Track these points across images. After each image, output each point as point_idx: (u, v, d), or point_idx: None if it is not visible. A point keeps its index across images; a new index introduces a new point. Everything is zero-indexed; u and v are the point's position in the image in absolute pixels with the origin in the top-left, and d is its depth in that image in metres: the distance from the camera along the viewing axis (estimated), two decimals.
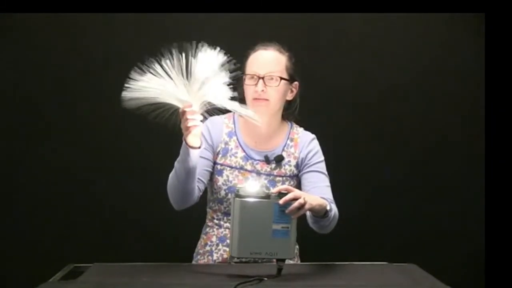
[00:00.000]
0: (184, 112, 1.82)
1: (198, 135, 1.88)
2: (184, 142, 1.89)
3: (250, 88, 2.09)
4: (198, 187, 2.05)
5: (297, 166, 2.17)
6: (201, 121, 1.86)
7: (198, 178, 2.04)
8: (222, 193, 2.13)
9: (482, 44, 2.23)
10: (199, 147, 1.91)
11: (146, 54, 2.82)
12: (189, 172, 1.94)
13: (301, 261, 2.24)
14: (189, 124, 1.83)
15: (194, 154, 1.90)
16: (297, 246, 2.19)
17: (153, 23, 2.84)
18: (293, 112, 2.21)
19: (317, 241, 2.22)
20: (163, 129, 2.59)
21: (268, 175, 2.14)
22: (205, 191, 2.23)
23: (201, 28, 2.83)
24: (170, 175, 2.00)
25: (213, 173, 2.15)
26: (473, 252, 2.76)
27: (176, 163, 1.96)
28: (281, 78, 2.09)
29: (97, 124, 2.85)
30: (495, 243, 1.95)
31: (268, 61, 2.09)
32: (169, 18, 2.82)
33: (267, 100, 2.07)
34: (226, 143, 2.15)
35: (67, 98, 2.87)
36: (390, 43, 2.92)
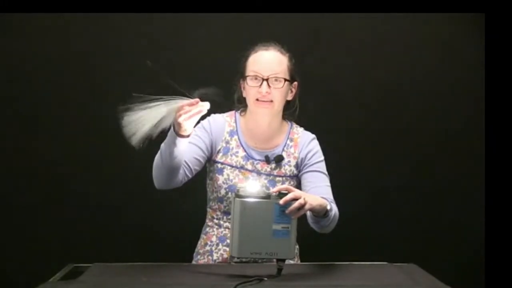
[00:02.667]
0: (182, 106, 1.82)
1: (191, 125, 1.88)
2: (172, 129, 1.88)
3: (253, 89, 2.08)
4: (185, 172, 2.05)
5: (297, 166, 2.17)
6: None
7: (186, 164, 2.04)
8: (223, 191, 2.13)
9: (482, 44, 2.23)
10: (188, 136, 1.90)
11: (146, 53, 2.85)
12: (174, 156, 1.94)
13: (301, 261, 2.24)
14: (187, 114, 1.82)
15: (182, 142, 1.91)
16: (297, 246, 2.20)
17: (152, 23, 2.84)
18: (293, 113, 2.21)
19: (317, 241, 2.22)
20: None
21: (268, 175, 2.14)
22: (205, 191, 2.23)
23: (198, 28, 2.83)
24: (157, 155, 1.99)
25: (213, 171, 2.15)
26: (473, 252, 2.76)
27: (162, 145, 1.95)
28: (285, 79, 2.09)
29: (97, 123, 2.85)
30: (495, 243, 1.95)
31: (271, 62, 2.09)
32: (168, 17, 2.81)
33: (271, 101, 2.08)
34: (227, 142, 2.16)
35: (68, 98, 2.87)
36: (389, 43, 2.92)
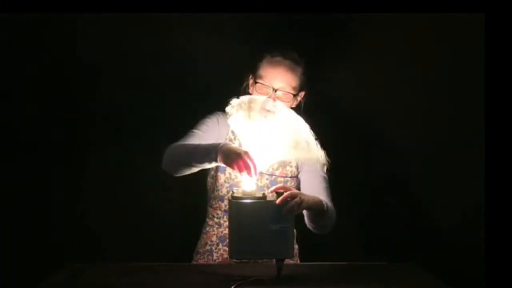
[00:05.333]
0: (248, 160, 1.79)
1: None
2: (220, 155, 1.83)
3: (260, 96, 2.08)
4: None
5: (298, 167, 2.17)
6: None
7: None
8: (224, 191, 2.13)
9: (482, 44, 2.23)
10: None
11: (148, 54, 2.84)
12: (200, 169, 1.96)
13: (301, 261, 2.24)
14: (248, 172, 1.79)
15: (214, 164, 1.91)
16: (297, 246, 2.20)
17: (155, 23, 2.83)
18: None
19: (317, 241, 2.23)
20: (163, 129, 2.60)
21: (271, 175, 2.14)
22: (205, 189, 2.23)
23: (204, 28, 2.83)
24: (179, 145, 1.97)
25: (215, 170, 2.15)
26: (473, 252, 2.76)
27: (194, 150, 1.92)
28: (293, 95, 2.09)
29: (97, 124, 2.85)
30: (495, 243, 1.95)
31: (284, 75, 2.08)
32: (170, 18, 2.81)
33: (274, 112, 2.07)
34: (230, 140, 2.15)
35: (68, 97, 2.86)
36: (388, 43, 2.91)
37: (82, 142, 2.88)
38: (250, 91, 2.14)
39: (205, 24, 2.82)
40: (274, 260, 1.80)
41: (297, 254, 2.23)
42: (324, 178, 2.14)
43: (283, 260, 1.78)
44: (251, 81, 2.14)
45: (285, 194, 1.75)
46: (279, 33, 2.70)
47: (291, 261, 2.06)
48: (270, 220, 1.74)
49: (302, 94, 2.17)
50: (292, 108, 2.15)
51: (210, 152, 1.86)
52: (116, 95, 2.83)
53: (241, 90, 2.20)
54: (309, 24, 2.85)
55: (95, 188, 2.87)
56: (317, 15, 2.77)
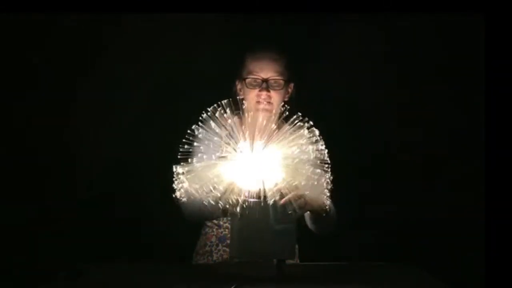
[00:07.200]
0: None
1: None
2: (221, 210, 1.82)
3: (252, 92, 2.08)
4: None
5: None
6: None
7: None
8: None
9: (482, 44, 2.23)
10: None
11: (144, 53, 2.84)
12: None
13: (301, 261, 2.24)
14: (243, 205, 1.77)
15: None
16: (297, 246, 2.19)
17: (151, 23, 2.83)
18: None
19: (317, 241, 2.22)
20: (164, 129, 2.60)
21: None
22: None
23: (193, 29, 2.83)
24: (194, 205, 1.93)
25: None
26: (473, 252, 2.76)
27: (203, 207, 1.86)
28: (284, 81, 2.09)
29: (98, 124, 2.85)
30: (495, 243, 1.95)
31: (270, 63, 2.09)
32: (165, 18, 2.81)
33: (270, 103, 2.07)
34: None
35: (69, 97, 2.86)
36: (388, 43, 2.91)
37: (85, 141, 2.88)
38: (241, 95, 2.14)
39: (187, 26, 2.83)
40: (275, 260, 1.79)
41: (297, 254, 2.23)
42: (326, 180, 2.14)
43: (284, 261, 1.78)
44: (238, 86, 2.14)
45: (289, 195, 1.74)
46: (261, 33, 2.70)
47: (291, 261, 2.05)
48: (273, 220, 1.74)
49: (291, 86, 2.17)
50: (285, 101, 2.15)
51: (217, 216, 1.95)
52: (120, 95, 2.83)
53: (231, 94, 2.20)
54: (296, 24, 2.85)
55: (95, 187, 2.87)
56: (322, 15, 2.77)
